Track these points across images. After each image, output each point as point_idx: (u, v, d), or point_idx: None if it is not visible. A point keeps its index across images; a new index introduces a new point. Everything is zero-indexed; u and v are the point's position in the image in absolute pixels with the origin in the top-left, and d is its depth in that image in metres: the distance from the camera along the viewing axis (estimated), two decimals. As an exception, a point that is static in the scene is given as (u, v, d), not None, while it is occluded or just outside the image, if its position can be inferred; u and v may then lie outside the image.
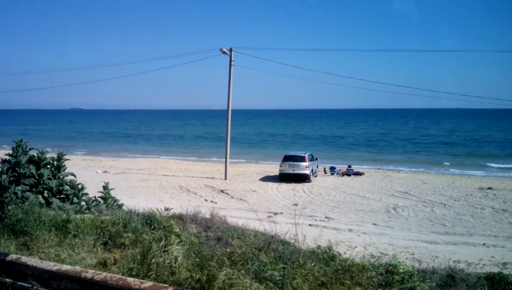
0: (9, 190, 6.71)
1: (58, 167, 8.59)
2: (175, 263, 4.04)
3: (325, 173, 28.48)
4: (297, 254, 4.51)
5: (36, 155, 8.49)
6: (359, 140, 60.82)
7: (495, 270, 7.90)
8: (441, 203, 18.44)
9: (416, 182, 24.16)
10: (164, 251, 4.23)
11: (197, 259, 4.20)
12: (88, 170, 27.24)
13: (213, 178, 25.95)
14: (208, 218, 7.80)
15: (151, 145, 55.20)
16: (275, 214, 15.68)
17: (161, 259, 4.07)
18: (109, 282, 3.00)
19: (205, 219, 7.71)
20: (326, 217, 15.72)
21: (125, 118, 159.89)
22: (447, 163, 35.14)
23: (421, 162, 36.19)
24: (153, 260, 4.05)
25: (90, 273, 3.14)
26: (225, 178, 25.43)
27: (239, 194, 20.51)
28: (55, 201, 7.96)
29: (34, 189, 8.04)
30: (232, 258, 4.25)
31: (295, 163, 24.20)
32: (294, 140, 62.66)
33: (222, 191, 21.42)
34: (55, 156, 8.80)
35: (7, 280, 3.53)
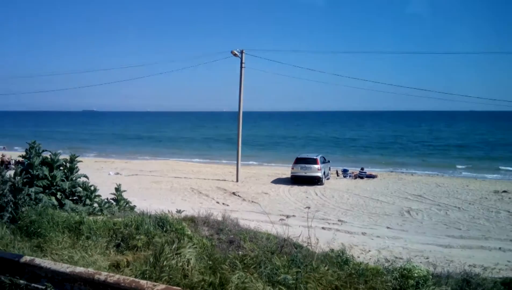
0: (23, 192, 6.78)
1: (70, 168, 8.67)
2: (187, 266, 4.02)
3: (337, 175, 28.31)
4: (310, 257, 4.48)
5: (49, 156, 8.58)
6: (372, 142, 60.32)
7: (512, 275, 7.75)
8: (456, 207, 18.16)
9: (429, 185, 23.86)
10: (176, 254, 4.21)
11: (210, 262, 4.18)
12: (100, 172, 27.43)
13: (225, 180, 25.98)
14: (220, 221, 7.80)
15: (162, 147, 55.43)
16: (288, 217, 15.60)
17: (173, 262, 4.05)
18: (122, 284, 2.98)
19: (217, 221, 7.71)
20: (339, 220, 15.59)
21: (136, 120, 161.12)
22: (461, 166, 34.64)
23: (435, 165, 35.77)
24: (165, 263, 4.04)
25: (103, 276, 3.13)
26: (237, 180, 25.43)
27: (251, 197, 20.47)
28: (68, 203, 8.03)
29: (47, 190, 8.12)
30: (245, 261, 4.22)
31: (307, 165, 24.08)
32: (306, 142, 62.42)
33: (233, 193, 21.42)
34: (67, 157, 8.88)
35: (21, 281, 3.54)
